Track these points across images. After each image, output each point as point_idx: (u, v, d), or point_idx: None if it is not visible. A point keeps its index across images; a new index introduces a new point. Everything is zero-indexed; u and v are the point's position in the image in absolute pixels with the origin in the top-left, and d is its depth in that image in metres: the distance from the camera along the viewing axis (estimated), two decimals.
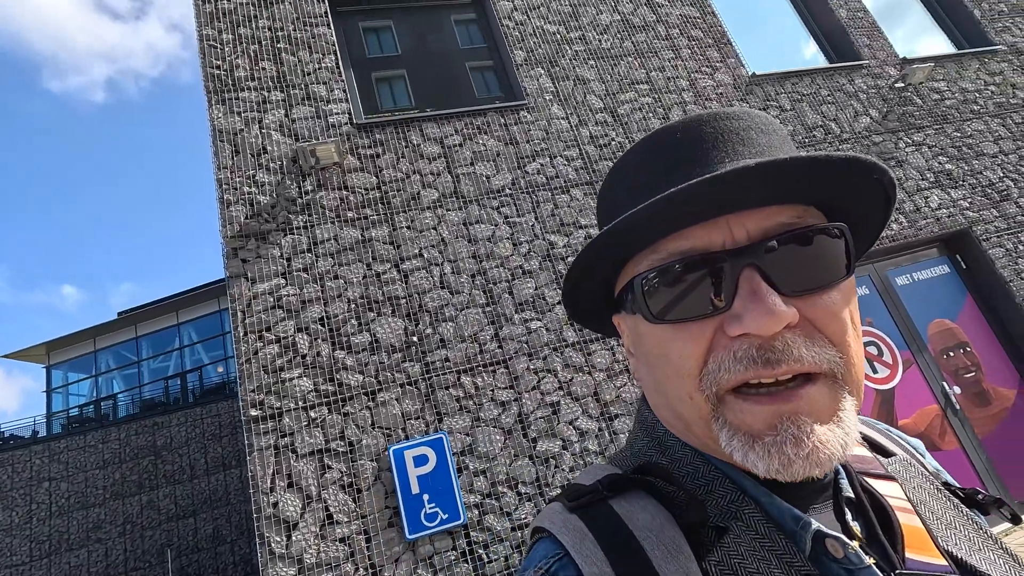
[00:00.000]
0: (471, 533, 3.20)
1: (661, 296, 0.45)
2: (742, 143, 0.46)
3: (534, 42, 4.92)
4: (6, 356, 20.69)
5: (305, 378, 3.37)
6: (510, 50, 4.83)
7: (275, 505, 3.07)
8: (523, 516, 3.29)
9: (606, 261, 0.50)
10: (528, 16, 5.04)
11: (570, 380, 3.68)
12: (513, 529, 3.25)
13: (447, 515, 3.17)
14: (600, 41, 5.08)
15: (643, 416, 0.55)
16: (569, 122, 4.60)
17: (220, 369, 19.80)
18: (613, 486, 0.48)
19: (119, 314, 21.03)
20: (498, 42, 5.00)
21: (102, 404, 19.98)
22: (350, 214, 3.88)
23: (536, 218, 4.14)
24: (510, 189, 4.20)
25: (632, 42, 5.15)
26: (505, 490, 3.33)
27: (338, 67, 4.37)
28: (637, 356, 0.53)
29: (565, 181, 4.31)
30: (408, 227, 3.92)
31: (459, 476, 3.30)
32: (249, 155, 3.89)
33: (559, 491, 0.51)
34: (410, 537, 3.09)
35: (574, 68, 4.87)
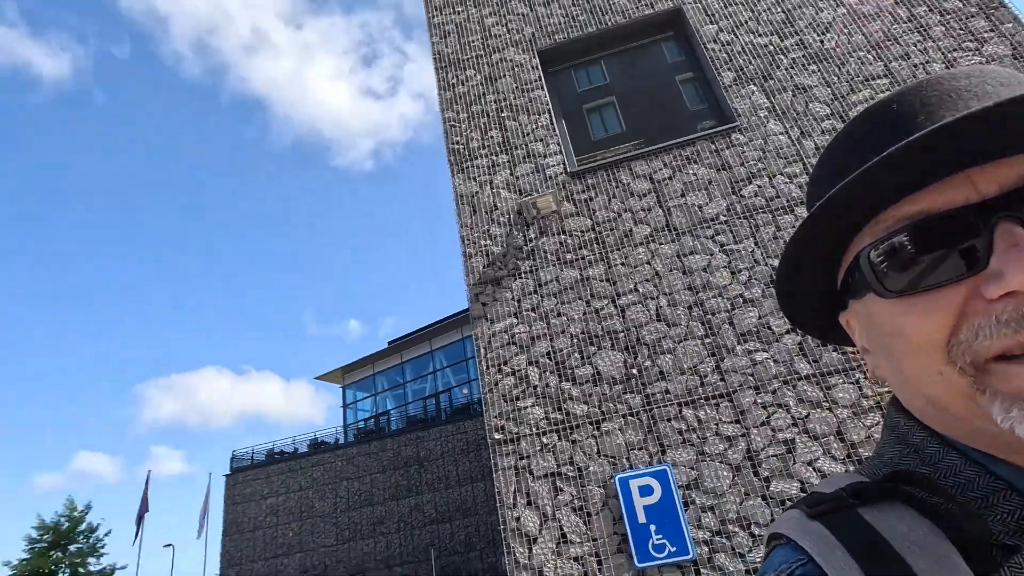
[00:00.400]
0: (701, 571, 3.16)
1: (896, 266, 0.40)
2: (975, 98, 0.40)
3: (743, 59, 4.75)
4: (316, 378, 26.84)
5: (537, 407, 3.77)
6: (717, 73, 4.75)
7: (518, 519, 3.48)
8: (758, 559, 3.12)
9: (825, 238, 0.45)
10: (735, 34, 4.90)
11: (806, 416, 3.39)
12: (747, 572, 3.10)
13: (675, 548, 3.19)
14: (822, 42, 4.66)
15: (894, 422, 0.48)
16: (789, 136, 4.30)
17: (465, 391, 22.44)
18: (860, 495, 0.42)
19: (389, 343, 25.54)
20: (704, 67, 4.95)
21: (380, 419, 24.30)
22: (569, 256, 4.24)
23: (756, 243, 3.95)
24: (725, 216, 4.10)
25: (863, 34, 4.60)
26: (736, 529, 3.21)
27: (552, 123, 4.85)
28: (873, 350, 0.46)
29: (788, 200, 4.03)
30: (623, 264, 4.12)
31: (686, 510, 3.30)
32: (484, 213, 4.56)
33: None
34: (639, 565, 3.19)
35: (791, 77, 4.55)
